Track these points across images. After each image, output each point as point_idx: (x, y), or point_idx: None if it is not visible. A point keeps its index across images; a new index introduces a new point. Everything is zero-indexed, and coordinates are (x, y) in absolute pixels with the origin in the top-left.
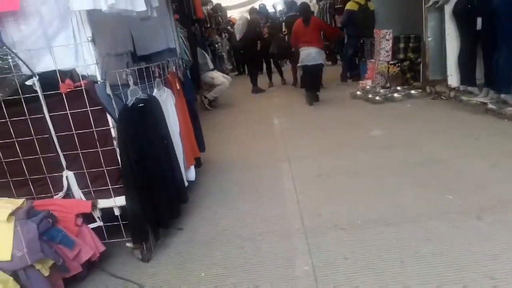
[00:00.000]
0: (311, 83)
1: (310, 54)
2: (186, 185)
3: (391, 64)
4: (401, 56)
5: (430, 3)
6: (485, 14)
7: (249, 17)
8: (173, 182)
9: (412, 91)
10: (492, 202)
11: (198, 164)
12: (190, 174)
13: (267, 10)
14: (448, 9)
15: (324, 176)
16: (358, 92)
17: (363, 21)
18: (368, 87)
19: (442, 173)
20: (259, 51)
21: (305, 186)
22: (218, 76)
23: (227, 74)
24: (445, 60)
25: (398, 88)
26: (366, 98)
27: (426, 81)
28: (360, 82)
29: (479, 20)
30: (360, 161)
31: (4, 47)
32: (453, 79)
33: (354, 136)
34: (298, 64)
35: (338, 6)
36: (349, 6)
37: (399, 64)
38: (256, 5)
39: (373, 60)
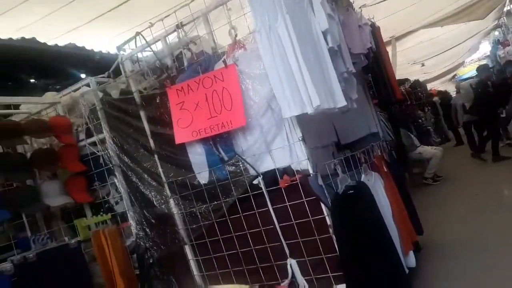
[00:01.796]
0: None
1: None
2: (407, 272)
3: None
4: None
5: None
6: None
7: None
8: (393, 269)
9: None
10: None
11: (417, 248)
12: (409, 260)
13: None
14: None
15: None
16: None
17: None
18: None
19: None
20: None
21: None
22: (426, 149)
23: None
24: None
25: None
26: None
27: None
28: None
29: None
30: None
31: (236, 155)
32: None
33: None
34: None
35: None
36: None
37: None
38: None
39: None
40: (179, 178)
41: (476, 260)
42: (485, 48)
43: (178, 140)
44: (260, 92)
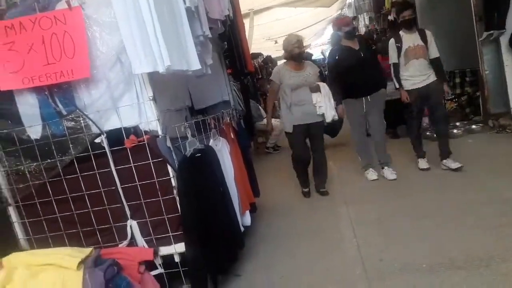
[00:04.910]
0: None
1: None
2: (242, 231)
3: (447, 100)
4: (458, 91)
5: (484, 36)
6: None
7: None
8: (230, 228)
9: (473, 126)
10: None
11: (253, 209)
12: (245, 219)
13: None
14: (504, 40)
15: (384, 219)
16: None
17: None
18: (425, 124)
19: (509, 213)
20: None
21: (365, 229)
22: None
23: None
24: (506, 92)
25: (457, 123)
26: (424, 136)
27: (487, 115)
28: None
29: None
30: (423, 202)
31: (77, 110)
32: None
33: (416, 175)
34: None
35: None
36: None
37: (457, 99)
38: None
39: None
40: (3, 131)
41: (301, 216)
42: (329, 34)
43: (4, 86)
44: (109, 42)
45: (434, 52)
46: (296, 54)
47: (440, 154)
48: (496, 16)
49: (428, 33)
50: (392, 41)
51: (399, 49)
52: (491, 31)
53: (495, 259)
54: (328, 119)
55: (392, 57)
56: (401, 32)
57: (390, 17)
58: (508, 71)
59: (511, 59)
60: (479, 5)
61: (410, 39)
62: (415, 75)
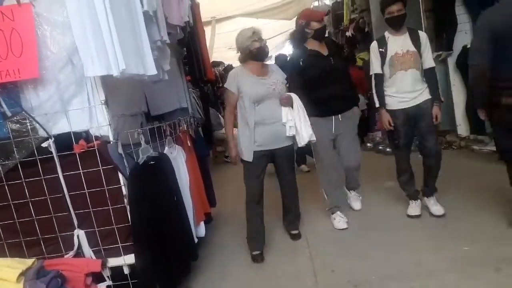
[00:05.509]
0: None
1: None
2: (195, 242)
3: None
4: None
5: (433, 56)
6: None
7: None
8: (183, 239)
9: None
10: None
11: (208, 219)
12: (200, 230)
13: None
14: (452, 61)
15: (336, 231)
16: (368, 144)
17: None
18: (378, 138)
19: (458, 225)
20: None
21: (318, 241)
22: None
23: None
24: (453, 110)
25: None
26: (377, 150)
27: None
28: (369, 133)
29: None
30: (373, 214)
31: (23, 112)
32: (462, 128)
33: (367, 187)
34: None
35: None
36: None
37: None
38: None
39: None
40: None
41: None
42: (289, 48)
43: None
44: (60, 42)
45: (428, 61)
46: (257, 50)
47: (424, 190)
48: (444, 38)
49: (423, 35)
50: (374, 44)
51: (382, 55)
52: (440, 52)
53: (439, 270)
54: (303, 141)
55: (374, 65)
56: (386, 33)
57: (348, 33)
58: (455, 90)
59: (458, 79)
60: (430, 27)
61: (398, 43)
62: (403, 91)
